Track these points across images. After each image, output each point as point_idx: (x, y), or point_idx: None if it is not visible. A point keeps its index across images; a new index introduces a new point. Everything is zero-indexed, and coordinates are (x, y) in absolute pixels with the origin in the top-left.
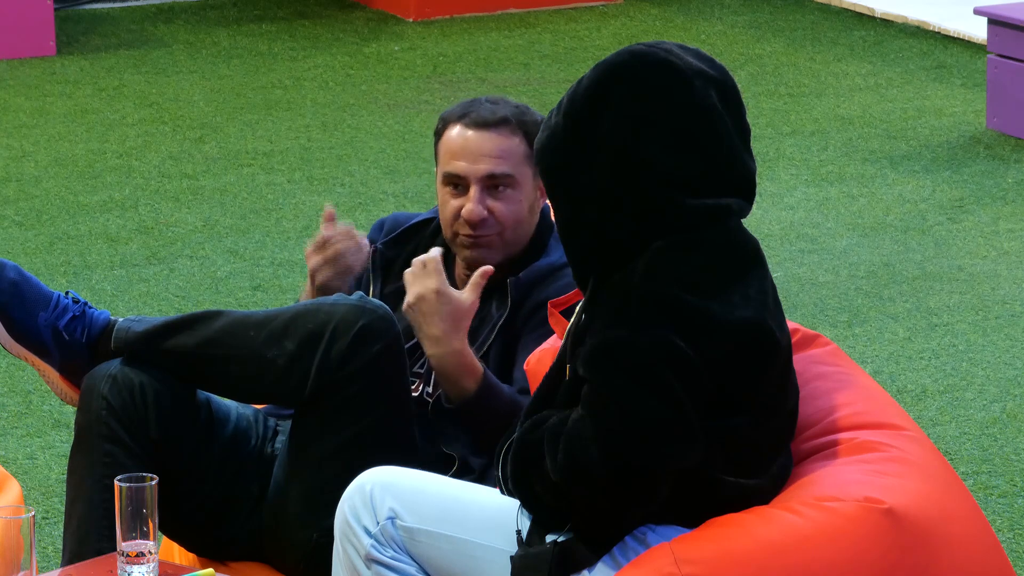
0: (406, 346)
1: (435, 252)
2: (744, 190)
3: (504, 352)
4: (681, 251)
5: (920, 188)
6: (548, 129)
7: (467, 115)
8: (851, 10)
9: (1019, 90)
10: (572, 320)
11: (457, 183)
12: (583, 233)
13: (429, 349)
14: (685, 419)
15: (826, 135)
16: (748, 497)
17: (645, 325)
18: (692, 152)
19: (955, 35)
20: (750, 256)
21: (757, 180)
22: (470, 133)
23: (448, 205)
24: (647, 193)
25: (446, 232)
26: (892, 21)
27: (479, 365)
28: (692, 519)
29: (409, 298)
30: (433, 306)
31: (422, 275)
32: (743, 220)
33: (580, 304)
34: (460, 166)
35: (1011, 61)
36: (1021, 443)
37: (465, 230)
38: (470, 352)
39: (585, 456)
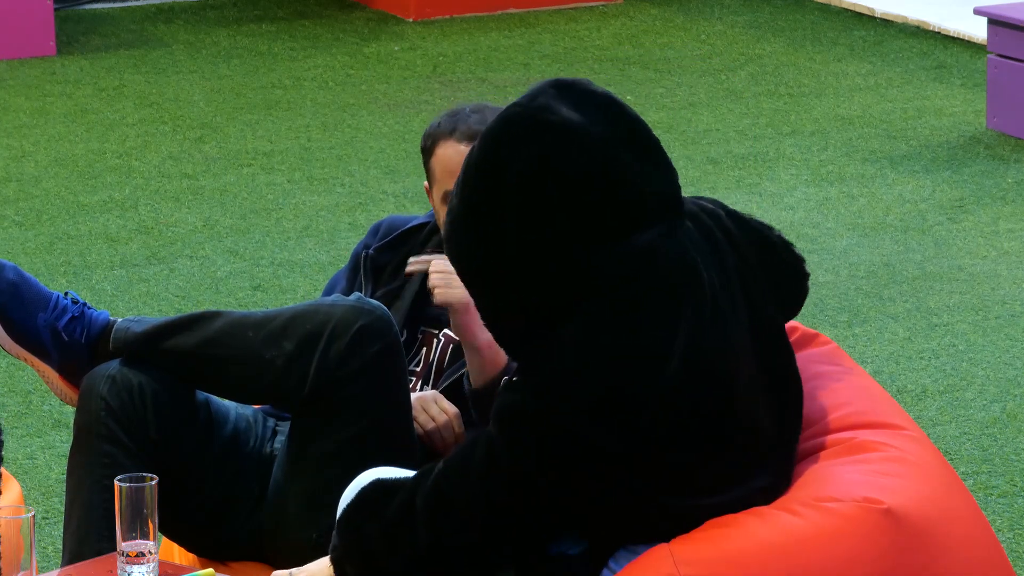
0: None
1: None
2: (666, 209)
3: None
4: (607, 322)
5: (920, 188)
6: (451, 214)
7: (456, 129)
8: (851, 10)
9: (1019, 90)
10: (505, 382)
11: None
12: (506, 316)
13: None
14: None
15: (826, 135)
16: (711, 515)
17: (558, 414)
18: (590, 206)
19: (955, 35)
20: (679, 288)
21: (757, 180)
22: (465, 147)
23: None
24: (557, 259)
25: None
26: (892, 21)
27: (502, 356)
28: (655, 540)
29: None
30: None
31: (448, 284)
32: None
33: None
34: None
35: (1011, 61)
36: (1021, 443)
37: None
38: (494, 345)
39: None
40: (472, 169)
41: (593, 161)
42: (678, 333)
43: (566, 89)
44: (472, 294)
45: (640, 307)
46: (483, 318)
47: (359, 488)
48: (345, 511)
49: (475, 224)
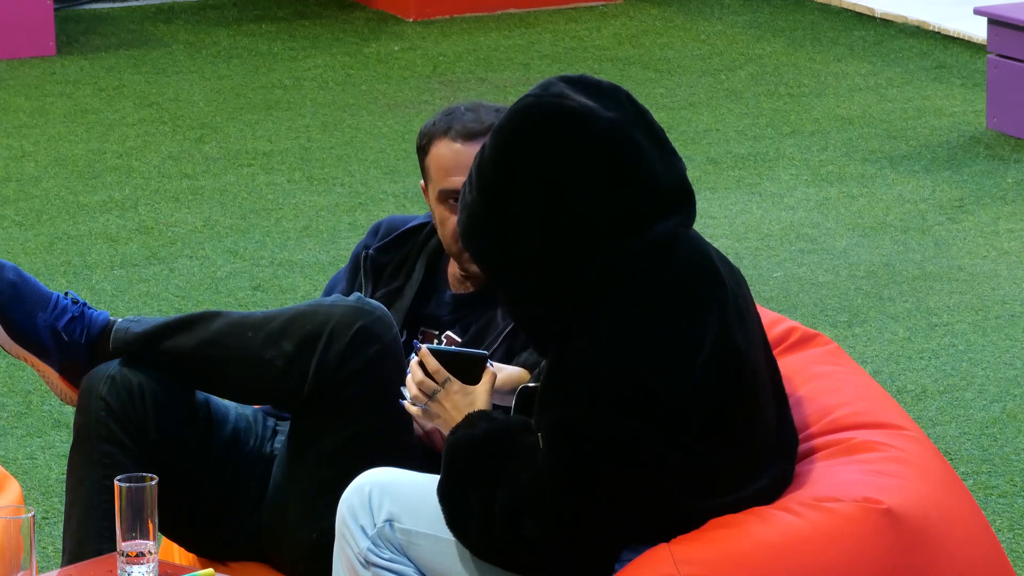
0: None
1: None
2: (681, 198)
3: (507, 359)
4: (639, 313)
5: (920, 188)
6: (466, 209)
7: (451, 128)
8: (851, 10)
9: (1019, 90)
10: (533, 379)
11: (456, 198)
12: (531, 306)
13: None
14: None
15: (826, 135)
16: (712, 515)
17: (610, 419)
18: (614, 189)
19: (955, 35)
20: (705, 278)
21: (757, 180)
22: (460, 146)
23: (449, 222)
24: (584, 247)
25: (451, 249)
26: (892, 21)
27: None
28: (655, 540)
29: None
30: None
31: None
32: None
33: (544, 365)
34: (457, 181)
35: (1011, 61)
36: (1021, 443)
37: None
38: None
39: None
40: (489, 163)
41: (613, 144)
42: (707, 325)
43: (573, 81)
44: (496, 285)
45: (668, 298)
46: (510, 311)
47: (482, 434)
48: (468, 454)
49: (495, 218)
